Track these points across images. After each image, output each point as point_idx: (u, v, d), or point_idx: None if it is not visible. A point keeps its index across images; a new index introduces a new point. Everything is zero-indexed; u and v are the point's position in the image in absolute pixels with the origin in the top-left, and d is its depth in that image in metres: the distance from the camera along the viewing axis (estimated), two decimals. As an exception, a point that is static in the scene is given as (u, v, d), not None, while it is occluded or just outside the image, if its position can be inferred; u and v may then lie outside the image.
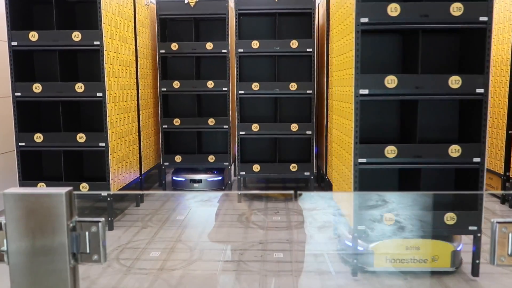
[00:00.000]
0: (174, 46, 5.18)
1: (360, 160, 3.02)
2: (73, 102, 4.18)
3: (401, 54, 3.38)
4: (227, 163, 5.39)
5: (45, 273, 0.83)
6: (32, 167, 4.16)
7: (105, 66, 3.86)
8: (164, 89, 5.30)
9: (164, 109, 5.42)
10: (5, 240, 0.82)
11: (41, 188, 0.83)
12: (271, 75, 5.08)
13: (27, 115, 4.07)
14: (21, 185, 4.03)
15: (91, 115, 4.37)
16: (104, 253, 0.85)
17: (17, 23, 3.93)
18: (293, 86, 4.77)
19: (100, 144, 3.93)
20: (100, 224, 0.84)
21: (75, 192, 0.82)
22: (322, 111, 5.29)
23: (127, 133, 4.43)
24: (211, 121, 5.33)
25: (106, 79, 3.86)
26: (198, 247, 3.62)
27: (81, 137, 3.93)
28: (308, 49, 4.73)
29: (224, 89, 5.24)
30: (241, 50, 4.80)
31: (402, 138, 3.41)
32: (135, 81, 4.70)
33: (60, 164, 4.06)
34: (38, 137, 3.93)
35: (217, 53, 5.16)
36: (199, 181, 5.43)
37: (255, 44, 4.75)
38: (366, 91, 2.95)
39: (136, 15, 4.71)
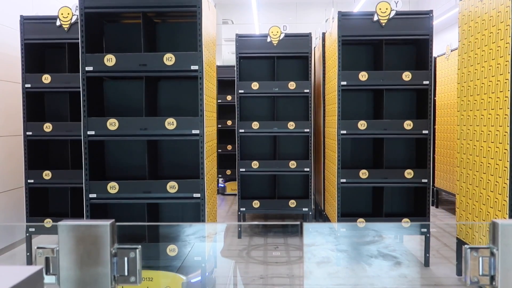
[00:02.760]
0: (255, 86, 5.02)
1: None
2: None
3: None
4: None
5: (90, 293, 0.97)
6: (39, 203, 4.29)
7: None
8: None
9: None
10: (58, 264, 0.97)
11: (89, 220, 1.00)
12: (270, 114, 5.31)
13: (37, 153, 4.24)
14: (28, 221, 4.15)
15: (98, 153, 4.53)
16: (140, 275, 1.00)
17: (30, 66, 4.16)
18: (291, 125, 4.98)
19: (107, 181, 4.08)
20: (137, 250, 1.00)
21: (117, 224, 0.98)
22: (319, 149, 5.49)
23: (132, 170, 4.59)
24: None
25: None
26: (201, 281, 3.71)
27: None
28: (305, 90, 4.98)
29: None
30: (242, 91, 5.04)
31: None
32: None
33: (66, 200, 4.20)
34: (47, 174, 4.09)
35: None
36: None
37: (255, 85, 5.00)
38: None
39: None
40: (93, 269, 0.97)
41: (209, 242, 3.87)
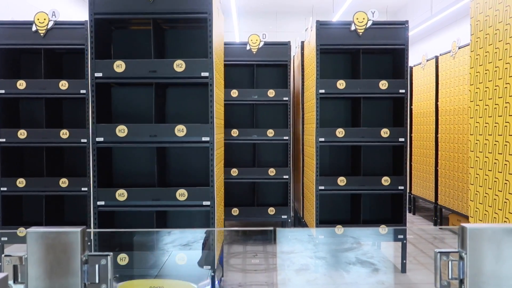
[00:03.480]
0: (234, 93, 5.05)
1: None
2: (57, 147, 4.28)
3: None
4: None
5: (60, 301, 0.95)
6: (13, 212, 4.18)
7: (91, 113, 4.01)
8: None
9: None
10: (26, 272, 0.95)
11: (59, 227, 0.98)
12: (250, 121, 5.32)
13: (11, 160, 4.14)
14: (0, 229, 4.04)
15: (74, 161, 4.46)
16: (111, 283, 0.99)
17: (5, 72, 4.08)
18: (270, 133, 5.00)
19: (83, 189, 4.02)
20: (108, 257, 0.98)
21: (88, 230, 0.97)
22: (298, 156, 5.52)
23: (109, 178, 4.53)
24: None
25: (91, 126, 4.00)
26: (178, 290, 3.67)
27: (63, 182, 4.02)
28: (284, 98, 5.01)
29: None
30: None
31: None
32: (118, 127, 4.84)
33: (41, 208, 4.11)
34: (21, 182, 4.00)
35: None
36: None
37: (234, 93, 5.01)
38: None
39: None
40: (63, 277, 0.95)
41: (209, 249, 3.81)
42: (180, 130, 3.13)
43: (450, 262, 1.00)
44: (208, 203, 3.16)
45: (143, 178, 3.51)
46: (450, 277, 0.99)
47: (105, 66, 3.13)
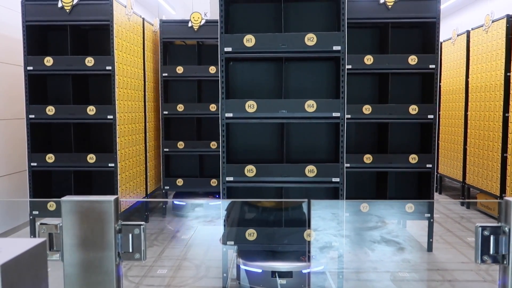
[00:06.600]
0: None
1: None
2: (84, 124, 4.34)
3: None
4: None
5: (95, 269, 0.96)
6: (43, 187, 4.29)
7: (116, 90, 4.04)
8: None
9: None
10: (61, 240, 0.96)
11: (93, 196, 0.98)
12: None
13: (40, 136, 4.23)
14: (31, 203, 4.16)
15: (101, 137, 4.52)
16: (145, 252, 0.99)
17: (32, 49, 4.13)
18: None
19: (110, 165, 4.08)
20: (142, 227, 0.98)
21: (122, 199, 0.97)
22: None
23: (135, 154, 4.58)
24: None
25: (116, 102, 4.04)
26: (204, 265, 3.73)
27: (91, 158, 4.08)
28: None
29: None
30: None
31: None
32: (143, 104, 4.88)
33: (70, 183, 4.20)
34: (50, 158, 4.08)
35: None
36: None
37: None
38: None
39: (145, 41, 4.92)
40: (97, 245, 0.96)
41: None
42: (310, 106, 3.03)
43: (492, 237, 0.96)
44: (337, 179, 3.08)
45: (263, 154, 3.39)
46: (491, 252, 0.96)
47: (234, 41, 3.04)
